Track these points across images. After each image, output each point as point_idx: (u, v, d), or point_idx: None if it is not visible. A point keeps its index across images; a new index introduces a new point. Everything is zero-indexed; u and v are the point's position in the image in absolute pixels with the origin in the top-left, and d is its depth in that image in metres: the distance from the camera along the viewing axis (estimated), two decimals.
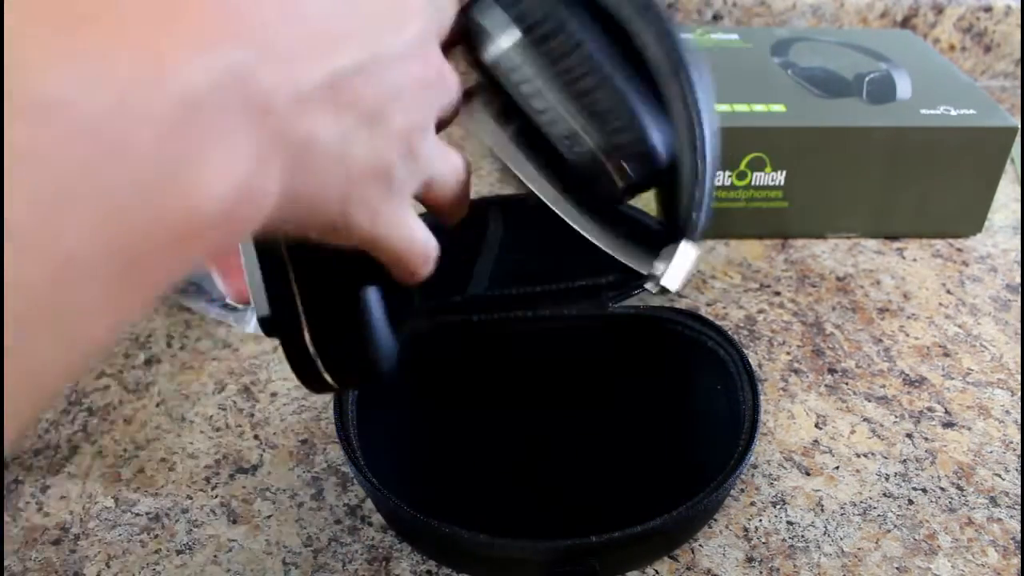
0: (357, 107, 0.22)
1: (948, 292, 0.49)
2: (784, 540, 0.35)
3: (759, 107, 0.51)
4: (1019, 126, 0.50)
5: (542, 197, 0.29)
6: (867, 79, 0.53)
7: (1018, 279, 0.50)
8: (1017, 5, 0.70)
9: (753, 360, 0.43)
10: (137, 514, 0.35)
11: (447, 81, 0.25)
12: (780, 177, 0.51)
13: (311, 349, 0.24)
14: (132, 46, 0.17)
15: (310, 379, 0.25)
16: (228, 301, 0.46)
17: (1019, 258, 0.52)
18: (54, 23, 0.16)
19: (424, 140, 0.25)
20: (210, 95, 0.17)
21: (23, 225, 0.15)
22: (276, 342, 0.29)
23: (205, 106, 0.17)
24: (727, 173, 0.50)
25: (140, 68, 0.16)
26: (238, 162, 0.18)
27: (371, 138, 0.23)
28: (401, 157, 0.24)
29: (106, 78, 0.16)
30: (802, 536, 0.35)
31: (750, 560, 0.34)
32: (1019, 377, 0.43)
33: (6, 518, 0.35)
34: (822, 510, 0.36)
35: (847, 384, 0.42)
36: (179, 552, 0.34)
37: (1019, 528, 0.35)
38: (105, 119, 0.16)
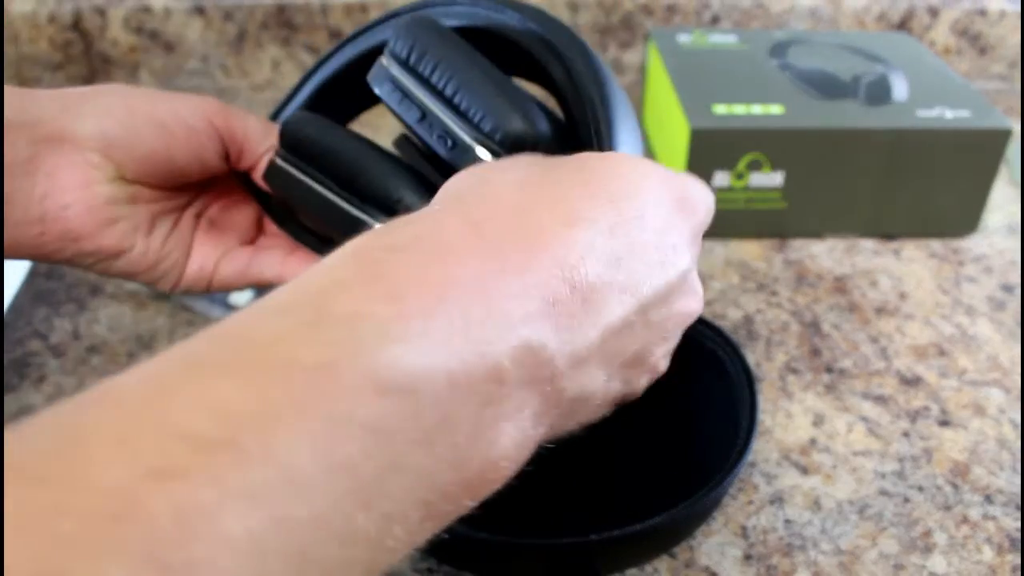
0: (623, 355, 0.23)
1: (944, 292, 0.49)
2: (782, 538, 0.35)
3: (757, 108, 0.51)
4: (1013, 128, 0.50)
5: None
6: (864, 81, 0.54)
7: (1013, 279, 0.50)
8: (1012, 8, 0.70)
9: (751, 360, 0.44)
10: None
11: (700, 299, 0.26)
12: (778, 178, 0.51)
13: None
14: (456, 323, 0.19)
15: None
16: (229, 301, 0.46)
17: (1014, 258, 0.52)
18: (385, 301, 0.18)
19: (668, 356, 0.26)
20: (514, 370, 0.19)
21: (358, 490, 0.17)
22: None
23: (508, 380, 0.19)
24: (726, 173, 0.51)
25: (463, 345, 0.19)
26: (525, 423, 0.20)
27: (631, 376, 0.24)
28: (647, 375, 0.25)
29: (438, 356, 0.18)
30: (799, 534, 0.35)
31: (748, 558, 0.34)
32: (1014, 376, 0.43)
33: None
34: (819, 508, 0.36)
35: (844, 383, 0.43)
36: None
37: (1013, 525, 0.36)
38: (442, 395, 0.18)
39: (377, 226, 0.30)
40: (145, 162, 0.31)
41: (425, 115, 0.29)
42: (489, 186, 0.23)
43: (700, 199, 0.26)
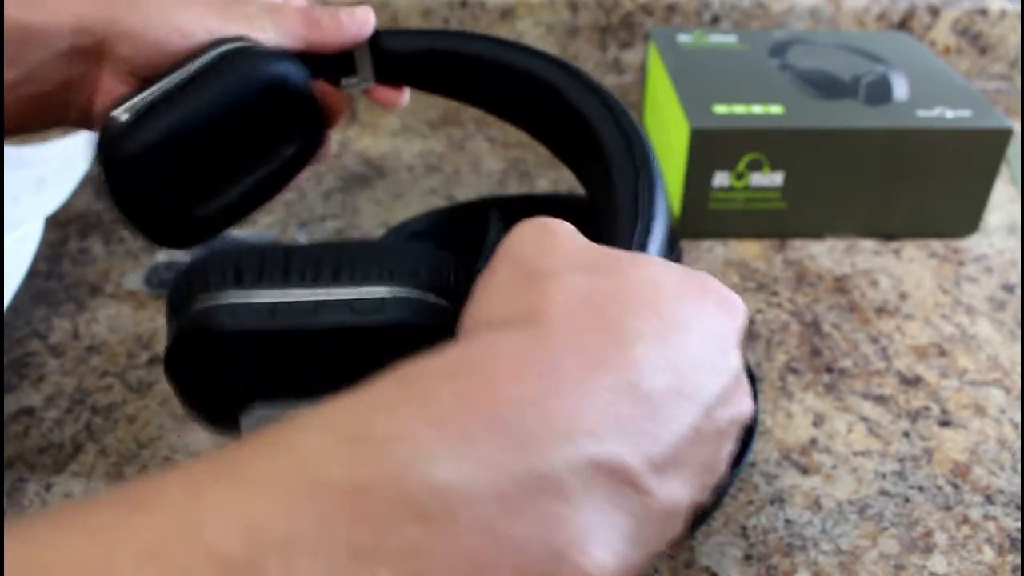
0: (698, 461, 0.23)
1: (944, 292, 0.49)
2: (782, 538, 0.35)
3: (757, 108, 0.51)
4: (1013, 128, 0.50)
5: None
6: (864, 81, 0.54)
7: (1013, 279, 0.50)
8: (1012, 8, 0.70)
9: (751, 360, 0.44)
10: None
11: (750, 398, 0.26)
12: (778, 178, 0.51)
13: None
14: (508, 441, 0.19)
15: None
16: None
17: (1014, 258, 0.52)
18: (427, 423, 0.18)
19: (728, 459, 0.26)
20: (580, 485, 0.19)
21: None
22: None
23: (573, 496, 0.19)
24: (726, 173, 0.51)
25: (516, 464, 0.18)
26: (618, 545, 0.19)
27: (705, 482, 0.23)
28: (714, 480, 0.25)
29: (485, 476, 0.18)
30: (800, 534, 0.35)
31: (748, 558, 0.34)
32: (1014, 376, 0.43)
33: (10, 517, 0.35)
34: (820, 508, 0.36)
35: (844, 383, 0.43)
36: None
37: (1014, 525, 0.36)
38: (492, 516, 0.18)
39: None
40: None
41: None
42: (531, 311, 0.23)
43: (736, 300, 0.26)
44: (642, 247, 0.28)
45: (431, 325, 0.27)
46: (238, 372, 0.28)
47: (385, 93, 0.41)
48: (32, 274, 0.48)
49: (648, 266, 0.24)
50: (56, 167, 0.53)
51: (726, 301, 0.25)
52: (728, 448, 0.24)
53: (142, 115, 0.32)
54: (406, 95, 0.42)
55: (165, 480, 0.17)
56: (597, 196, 0.31)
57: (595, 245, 0.25)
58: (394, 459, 0.17)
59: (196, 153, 0.33)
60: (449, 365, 0.21)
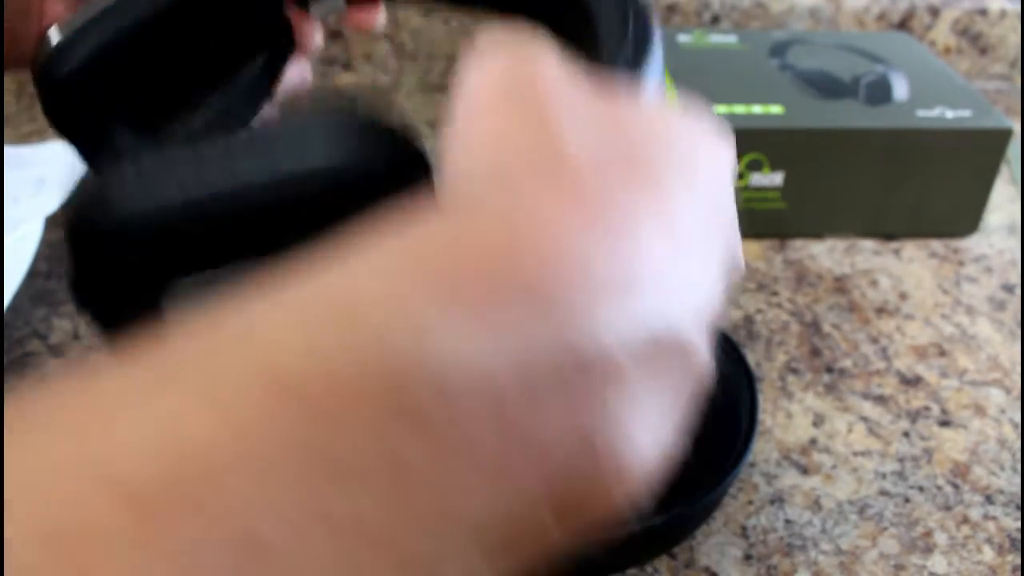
0: (717, 311, 0.20)
1: (944, 292, 0.49)
2: (782, 538, 0.35)
3: (757, 108, 0.51)
4: (1013, 128, 0.50)
5: None
6: (864, 81, 0.54)
7: (1013, 279, 0.50)
8: (1012, 8, 0.70)
9: (751, 360, 0.44)
10: None
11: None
12: (778, 178, 0.51)
13: None
14: (527, 308, 0.15)
15: None
16: None
17: (1014, 258, 0.52)
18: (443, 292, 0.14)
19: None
20: (627, 355, 0.16)
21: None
22: None
23: (623, 367, 0.15)
24: None
25: (539, 336, 0.15)
26: (659, 422, 0.17)
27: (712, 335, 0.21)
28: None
29: (509, 352, 0.14)
30: (800, 534, 0.35)
31: (748, 558, 0.34)
32: (1014, 376, 0.43)
33: None
34: (820, 508, 0.36)
35: (844, 383, 0.43)
36: None
37: (1014, 525, 0.36)
38: (521, 409, 0.14)
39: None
40: None
41: None
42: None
43: (722, 126, 0.22)
44: (638, 69, 0.24)
45: (393, 166, 0.21)
46: (149, 260, 0.22)
47: (359, 16, 0.38)
48: (32, 274, 0.48)
49: (650, 105, 0.22)
50: (56, 167, 0.53)
51: (718, 130, 0.22)
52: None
53: (78, 31, 0.29)
54: (381, 14, 0.39)
55: (77, 389, 0.13)
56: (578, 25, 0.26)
57: (586, 74, 0.21)
58: (379, 337, 0.13)
59: (142, 73, 0.30)
60: (450, 224, 0.16)
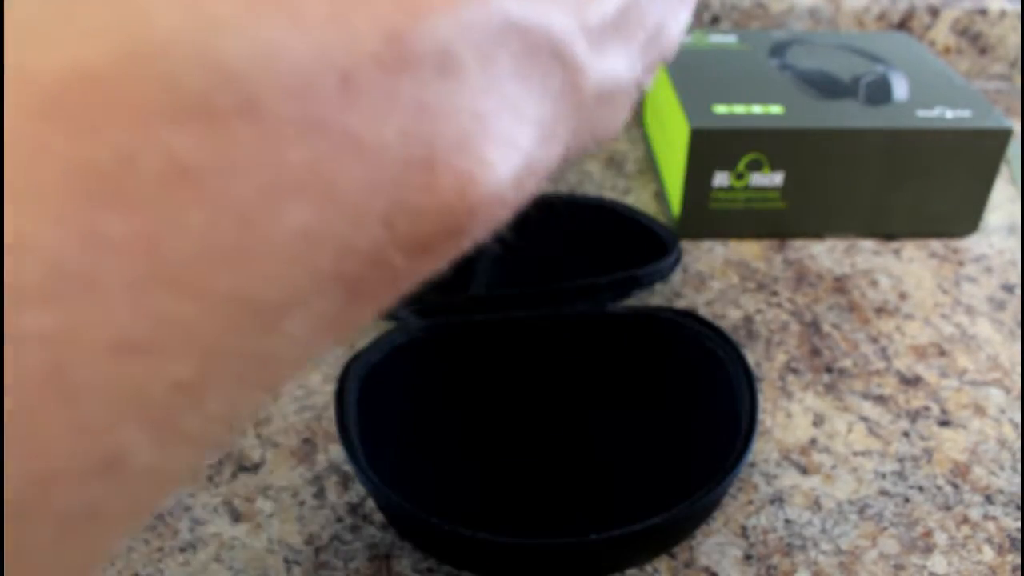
0: (642, 30, 0.18)
1: (944, 292, 0.49)
2: (782, 538, 0.35)
3: (757, 108, 0.51)
4: (1013, 128, 0.50)
5: None
6: (864, 81, 0.54)
7: (1013, 279, 0.50)
8: (1012, 8, 0.70)
9: (751, 360, 0.44)
10: None
11: None
12: (778, 178, 0.51)
13: None
14: None
15: None
16: None
17: (1014, 258, 0.52)
18: None
19: (680, 35, 0.21)
20: (471, 50, 0.14)
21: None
22: None
23: (464, 63, 0.13)
24: (726, 173, 0.51)
25: (367, 28, 0.12)
26: (524, 130, 0.15)
27: (649, 58, 0.19)
28: (660, 58, 0.21)
29: (317, 46, 0.12)
30: (800, 534, 0.35)
31: (748, 558, 0.34)
32: (1014, 376, 0.43)
33: None
34: (819, 508, 0.36)
35: (844, 383, 0.43)
36: (182, 550, 0.34)
37: (1014, 525, 0.36)
38: (335, 107, 0.12)
39: None
40: None
41: None
42: None
43: None
44: None
45: None
46: None
47: None
48: None
49: None
50: None
51: None
52: (682, 18, 0.21)
53: None
54: None
55: None
56: None
57: None
58: (150, 26, 0.10)
59: None
60: None
